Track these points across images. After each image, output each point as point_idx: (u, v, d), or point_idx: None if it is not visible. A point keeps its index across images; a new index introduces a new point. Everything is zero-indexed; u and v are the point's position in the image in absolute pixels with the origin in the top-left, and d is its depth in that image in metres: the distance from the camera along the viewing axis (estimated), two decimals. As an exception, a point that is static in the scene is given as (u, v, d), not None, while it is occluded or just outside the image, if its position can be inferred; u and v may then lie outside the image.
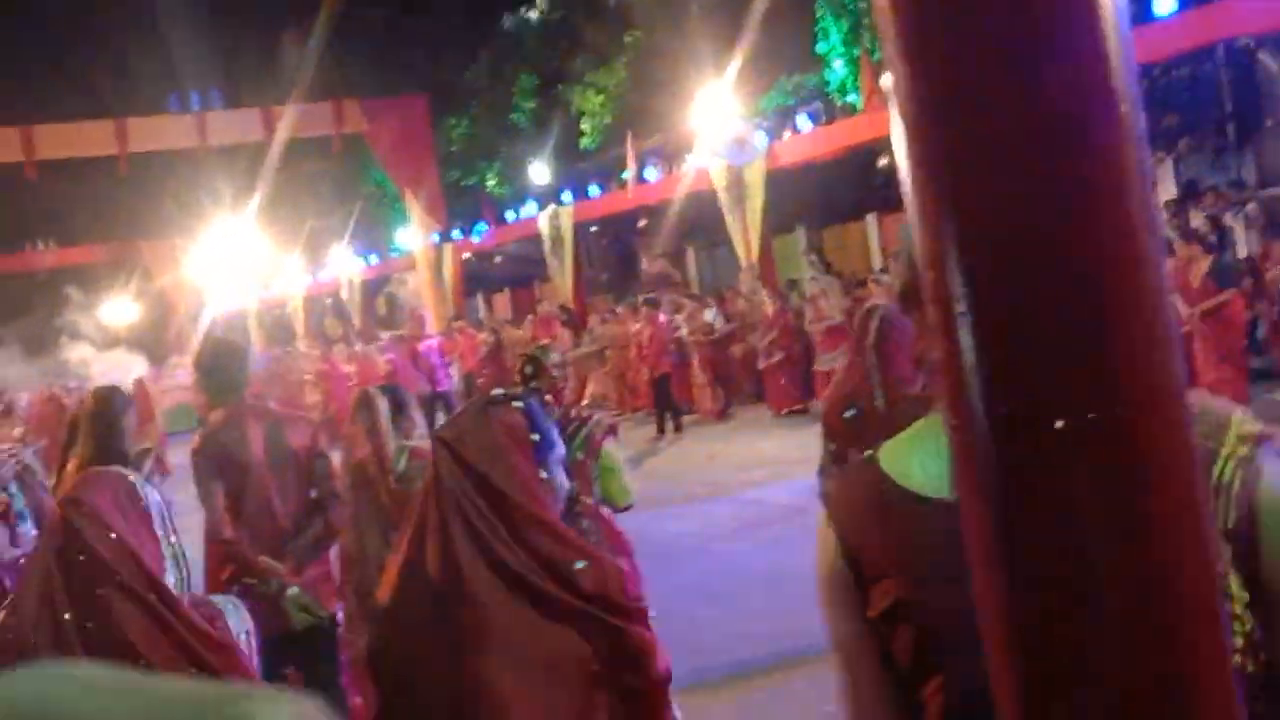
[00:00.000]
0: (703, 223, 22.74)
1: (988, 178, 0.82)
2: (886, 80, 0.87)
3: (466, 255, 29.28)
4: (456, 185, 33.72)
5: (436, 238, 29.01)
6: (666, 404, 17.62)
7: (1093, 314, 0.82)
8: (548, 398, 5.34)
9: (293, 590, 5.10)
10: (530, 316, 24.00)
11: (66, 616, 2.81)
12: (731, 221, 19.38)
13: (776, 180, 19.15)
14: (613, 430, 5.42)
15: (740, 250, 19.48)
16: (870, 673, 1.62)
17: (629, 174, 22.04)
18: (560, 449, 2.59)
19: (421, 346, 21.59)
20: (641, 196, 22.19)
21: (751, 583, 8.61)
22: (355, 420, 5.03)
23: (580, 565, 2.38)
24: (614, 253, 31.50)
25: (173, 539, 3.04)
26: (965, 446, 0.88)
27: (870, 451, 1.69)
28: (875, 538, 1.58)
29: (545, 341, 10.63)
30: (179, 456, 10.69)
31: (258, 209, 30.86)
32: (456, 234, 28.73)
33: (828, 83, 23.38)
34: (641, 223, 26.57)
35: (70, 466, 4.93)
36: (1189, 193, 18.03)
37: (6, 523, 5.58)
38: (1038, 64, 0.80)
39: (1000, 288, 0.83)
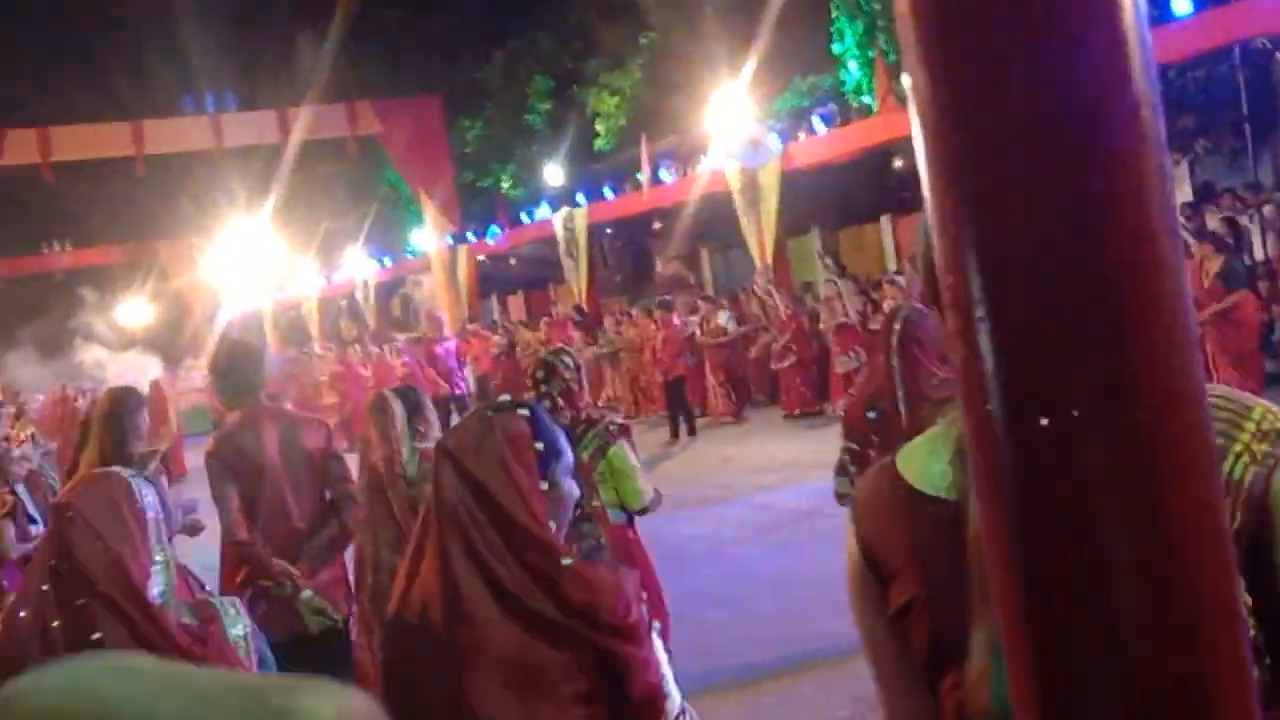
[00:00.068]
0: (717, 224, 22.72)
1: (1007, 182, 0.82)
2: (906, 82, 0.86)
3: (481, 257, 29.32)
4: (471, 187, 33.78)
5: (451, 239, 29.05)
6: (680, 407, 17.61)
7: (1112, 319, 0.81)
8: (559, 402, 5.33)
9: (306, 593, 5.10)
10: (545, 318, 24.03)
11: (55, 624, 2.82)
12: (746, 223, 19.37)
13: (791, 182, 19.13)
14: (624, 432, 5.41)
15: (755, 252, 19.47)
16: (896, 665, 1.68)
17: (643, 176, 22.04)
18: (568, 456, 2.55)
19: (439, 349, 21.65)
20: (656, 198, 22.19)
21: (761, 586, 8.61)
22: (370, 423, 5.03)
23: (566, 562, 2.36)
24: (628, 255, 31.51)
25: (165, 544, 3.01)
26: (983, 450, 0.88)
27: (892, 452, 1.73)
28: (892, 537, 1.62)
29: (560, 345, 10.62)
30: (194, 459, 10.72)
31: (273, 210, 30.98)
32: (471, 236, 28.77)
33: (843, 84, 23.36)
34: (656, 225, 26.57)
35: (82, 467, 4.94)
36: (1205, 195, 17.96)
37: (15, 521, 5.61)
38: (1058, 67, 0.80)
39: (1019, 292, 0.83)
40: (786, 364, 17.48)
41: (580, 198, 24.11)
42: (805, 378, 17.42)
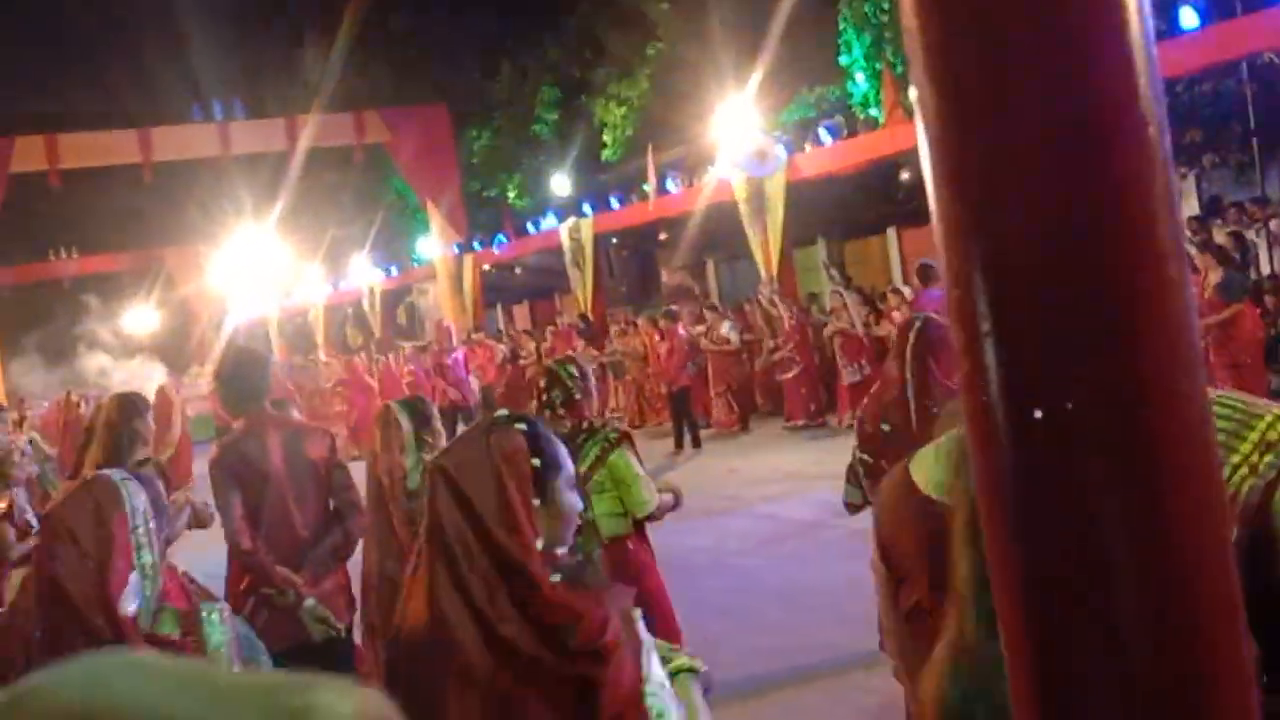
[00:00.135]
0: (723, 235, 22.73)
1: (1013, 197, 0.82)
2: (914, 94, 0.86)
3: (486, 266, 29.35)
4: (478, 196, 33.83)
5: (457, 248, 29.09)
6: (684, 418, 17.60)
7: (1117, 333, 0.82)
8: (560, 412, 5.32)
9: (309, 602, 5.10)
10: (550, 328, 24.05)
11: (37, 635, 2.82)
12: (752, 234, 19.37)
13: (797, 193, 19.14)
14: (625, 439, 5.38)
15: (760, 263, 19.47)
16: (909, 662, 1.71)
17: (650, 186, 22.05)
18: (569, 469, 2.54)
19: (448, 359, 21.70)
20: (662, 209, 22.20)
21: (766, 598, 8.60)
22: (375, 435, 5.03)
23: (553, 577, 2.35)
24: (634, 265, 31.54)
25: (153, 548, 2.98)
26: (988, 460, 0.88)
27: (907, 458, 1.76)
28: (903, 540, 1.66)
29: (570, 353, 10.62)
30: (199, 466, 10.73)
31: (279, 218, 31.06)
32: (477, 245, 28.81)
33: (850, 96, 23.38)
34: (662, 235, 26.58)
35: (85, 471, 4.95)
36: (1212, 209, 17.96)
37: (13, 521, 5.62)
38: (1065, 83, 0.80)
39: (1024, 306, 0.83)
40: (790, 374, 17.48)
41: (586, 208, 24.14)
42: (809, 388, 17.42)
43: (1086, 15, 0.80)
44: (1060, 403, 0.82)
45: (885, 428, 5.22)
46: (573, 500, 2.53)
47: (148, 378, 18.43)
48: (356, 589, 5.36)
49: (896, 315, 15.65)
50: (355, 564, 5.37)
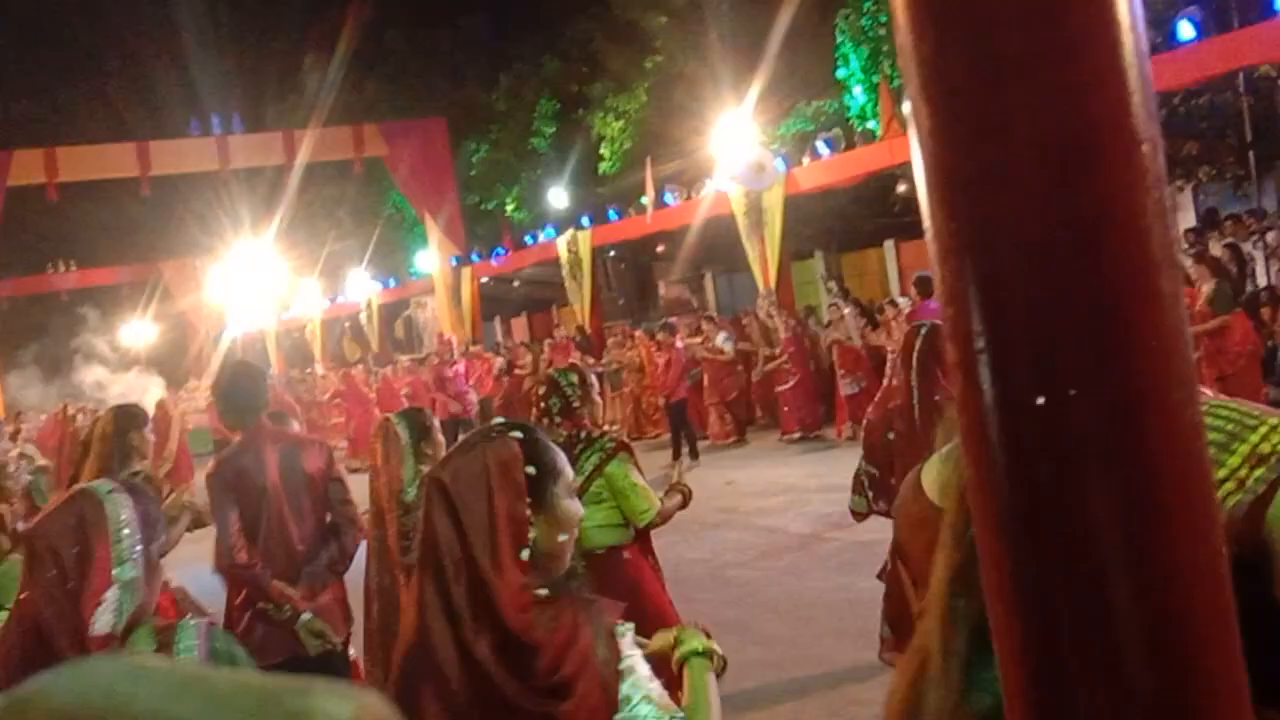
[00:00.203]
0: (721, 248, 22.78)
1: (1008, 214, 0.82)
2: (907, 107, 0.86)
3: (484, 279, 29.39)
4: (476, 209, 33.88)
5: (455, 261, 29.13)
6: (682, 430, 17.61)
7: (1112, 351, 0.82)
8: (557, 420, 5.33)
9: (305, 616, 5.10)
10: (547, 340, 24.08)
11: (16, 653, 2.82)
12: (750, 247, 19.40)
13: (795, 206, 19.18)
14: (622, 448, 5.37)
15: (758, 275, 19.50)
16: None
17: (648, 199, 22.09)
18: (568, 476, 2.51)
19: (449, 371, 21.73)
20: (660, 221, 22.24)
21: (763, 610, 8.59)
22: (375, 449, 5.03)
23: (539, 594, 2.33)
24: (632, 277, 31.60)
25: (136, 560, 2.95)
26: (984, 480, 0.88)
27: (919, 465, 1.77)
28: (914, 545, 1.67)
29: (572, 362, 10.61)
30: (198, 478, 10.72)
31: (277, 231, 31.12)
32: (475, 258, 28.85)
33: (847, 109, 23.43)
34: (660, 248, 26.64)
35: (81, 482, 4.94)
36: (1209, 221, 17.99)
37: (6, 532, 5.60)
38: (1059, 100, 0.80)
39: (1019, 323, 0.83)
40: (787, 386, 17.49)
41: (584, 220, 24.18)
42: (806, 400, 17.44)
43: (1081, 32, 0.80)
44: (1055, 417, 0.82)
45: (891, 435, 5.22)
46: (573, 507, 2.49)
47: (145, 390, 18.43)
48: (354, 602, 5.36)
49: (894, 327, 15.68)
50: (352, 577, 5.37)
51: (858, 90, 23.17)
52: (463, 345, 25.11)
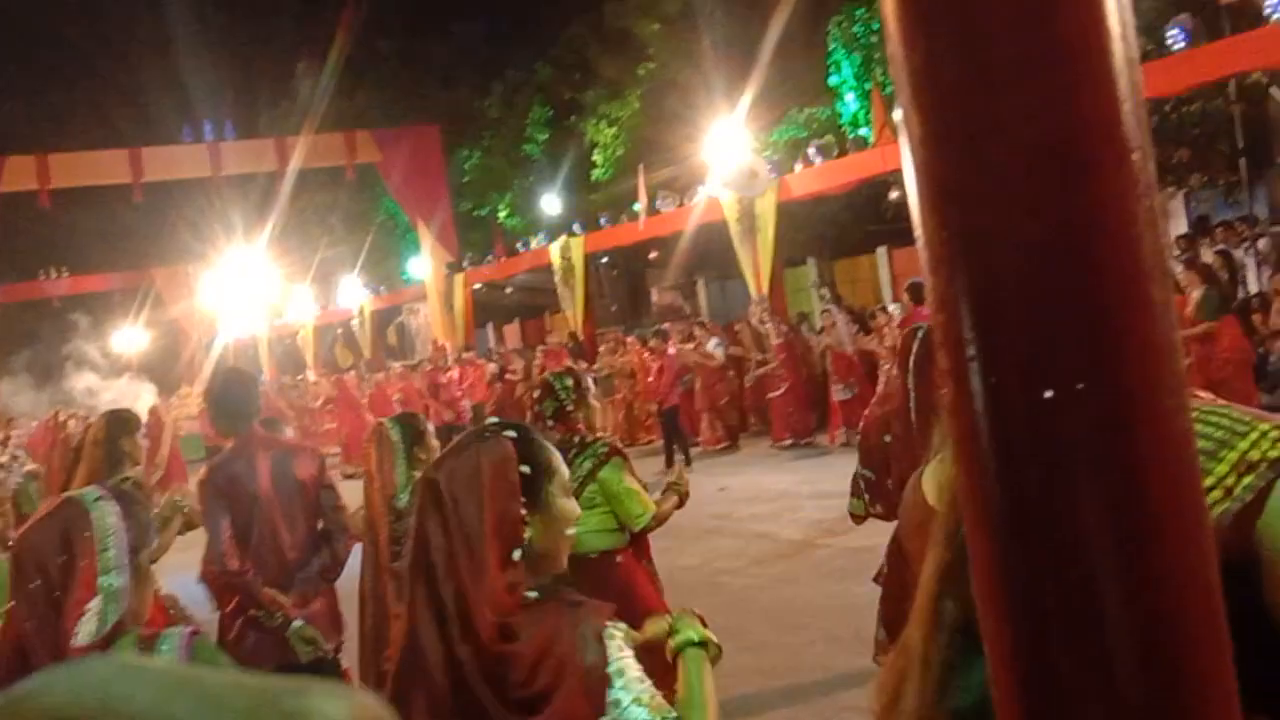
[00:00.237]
0: (713, 254, 22.80)
1: (998, 222, 0.82)
2: (899, 115, 0.86)
3: (477, 285, 29.37)
4: (468, 216, 33.88)
5: (447, 268, 29.12)
6: (675, 436, 17.61)
7: (1103, 359, 0.82)
8: (550, 423, 5.32)
9: (297, 623, 5.09)
10: (540, 347, 24.08)
11: (2, 663, 2.81)
12: (742, 254, 19.42)
13: (788, 212, 19.20)
14: (615, 453, 5.36)
15: (751, 282, 19.52)
16: None
17: (640, 205, 22.11)
18: (564, 474, 2.49)
19: (442, 378, 21.72)
20: (653, 228, 22.25)
21: (756, 617, 8.58)
22: (370, 454, 5.02)
23: (530, 596, 2.31)
24: (624, 284, 31.60)
25: (123, 569, 2.93)
26: (975, 485, 0.88)
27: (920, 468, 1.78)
28: (914, 548, 1.66)
29: (569, 366, 10.61)
30: (190, 485, 10.69)
31: (270, 238, 31.07)
32: (467, 264, 28.84)
33: (839, 116, 23.47)
34: (652, 254, 26.64)
35: (73, 488, 4.93)
36: (1200, 228, 18.04)
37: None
38: (1049, 110, 0.81)
39: (1010, 331, 0.83)
40: (778, 392, 17.50)
41: (577, 227, 24.19)
42: (797, 407, 17.44)
43: (1071, 40, 0.80)
44: (1046, 424, 0.83)
45: (887, 438, 5.22)
46: (569, 506, 2.48)
47: (136, 397, 18.37)
48: (346, 608, 5.35)
49: (885, 333, 15.71)
50: (343, 584, 5.36)
51: (850, 97, 23.23)
52: (456, 352, 25.12)
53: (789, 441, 17.27)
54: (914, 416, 4.96)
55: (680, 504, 5.49)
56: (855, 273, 25.70)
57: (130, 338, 35.36)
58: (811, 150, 18.72)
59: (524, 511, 2.37)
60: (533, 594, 2.33)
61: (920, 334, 5.10)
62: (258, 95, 36.79)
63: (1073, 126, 0.80)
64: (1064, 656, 0.84)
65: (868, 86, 21.55)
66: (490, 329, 35.31)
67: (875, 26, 21.94)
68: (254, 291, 32.33)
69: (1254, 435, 1.23)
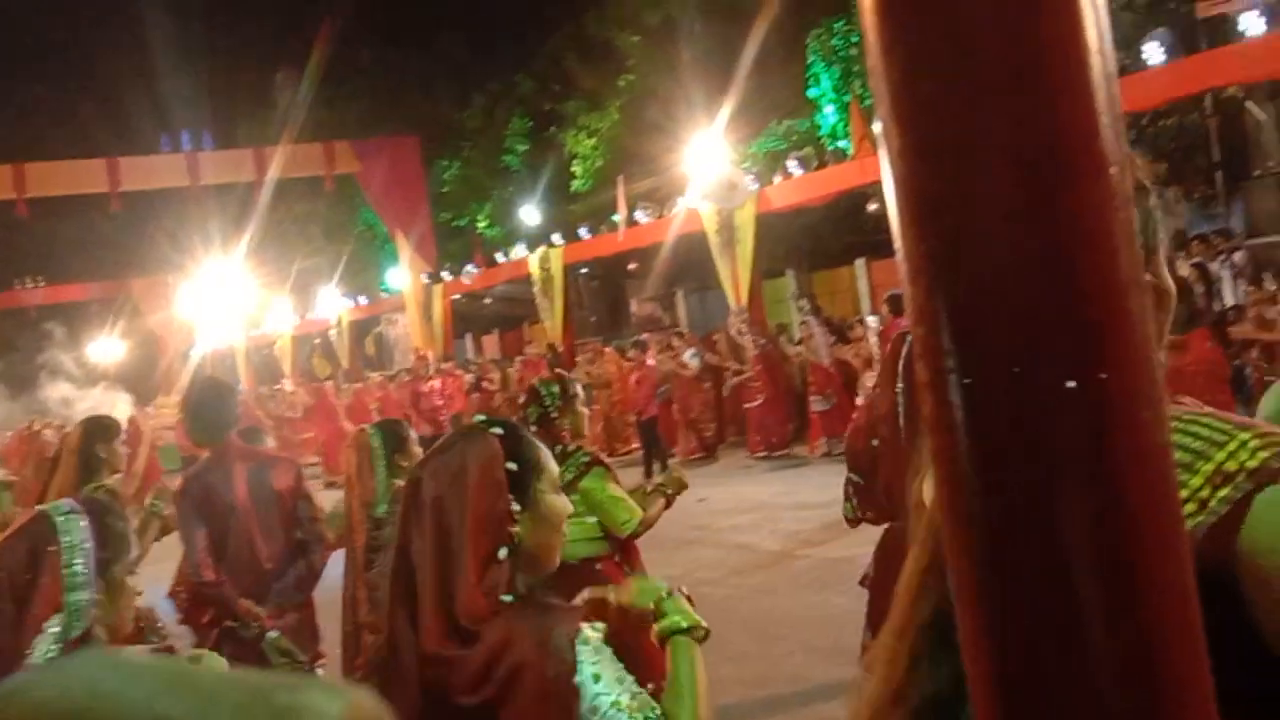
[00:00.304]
0: (693, 266, 22.82)
1: (977, 235, 0.83)
2: (878, 127, 0.87)
3: (456, 296, 29.33)
4: (447, 226, 33.84)
5: (426, 278, 29.07)
6: (654, 446, 17.61)
7: (1082, 371, 0.82)
8: (534, 429, 5.32)
9: (272, 634, 5.06)
10: (518, 357, 24.06)
11: None
12: (721, 265, 19.44)
13: (767, 224, 19.23)
14: (596, 463, 5.36)
15: (730, 293, 19.54)
16: None
17: (620, 217, 22.12)
18: (553, 471, 2.46)
19: (423, 387, 21.67)
20: (632, 239, 22.26)
21: (735, 627, 8.57)
22: (351, 461, 5.01)
23: (506, 598, 2.28)
24: (604, 295, 31.61)
25: (90, 585, 2.86)
26: (953, 499, 0.88)
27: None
28: None
29: (560, 373, 10.61)
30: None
31: (248, 248, 30.95)
32: (446, 275, 28.80)
33: (819, 128, 23.54)
34: (632, 265, 26.64)
35: (49, 497, 4.89)
36: (1177, 241, 18.12)
37: None
38: (1027, 122, 0.81)
39: (989, 343, 0.83)
40: (755, 403, 17.50)
41: (556, 238, 24.18)
42: (774, 418, 17.45)
43: (1049, 54, 0.81)
44: (1024, 436, 0.83)
45: (874, 442, 5.22)
46: (559, 503, 2.45)
47: (112, 406, 18.27)
48: (325, 620, 5.33)
49: (863, 345, 15.75)
50: (320, 594, 5.33)
51: (829, 109, 23.31)
52: (435, 362, 25.08)
53: (764, 453, 17.28)
54: (903, 422, 4.97)
55: (668, 504, 5.48)
56: (834, 284, 25.76)
57: (107, 347, 35.16)
58: (791, 162, 18.75)
59: (512, 509, 2.34)
60: (508, 598, 2.28)
61: (908, 339, 5.11)
62: (236, 105, 36.69)
63: (1051, 139, 0.80)
64: (1043, 668, 0.84)
65: (847, 99, 21.62)
66: (469, 339, 35.27)
67: (854, 39, 22.04)
68: (232, 301, 32.20)
69: (1232, 445, 1.21)
